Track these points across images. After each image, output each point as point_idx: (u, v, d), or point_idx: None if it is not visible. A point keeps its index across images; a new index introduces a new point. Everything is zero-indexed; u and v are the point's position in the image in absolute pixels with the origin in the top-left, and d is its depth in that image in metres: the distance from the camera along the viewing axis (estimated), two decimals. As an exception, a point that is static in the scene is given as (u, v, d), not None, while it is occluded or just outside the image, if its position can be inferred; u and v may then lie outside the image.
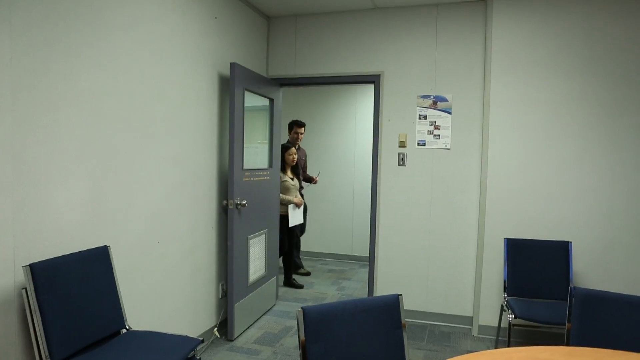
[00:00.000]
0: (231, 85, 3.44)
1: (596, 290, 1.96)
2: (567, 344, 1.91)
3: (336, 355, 1.67)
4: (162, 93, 2.86)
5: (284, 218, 4.77)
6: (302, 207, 4.97)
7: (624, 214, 3.44)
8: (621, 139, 3.42)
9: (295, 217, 4.85)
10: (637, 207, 3.40)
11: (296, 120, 5.18)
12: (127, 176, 2.57)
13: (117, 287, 2.35)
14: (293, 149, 4.83)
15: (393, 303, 1.81)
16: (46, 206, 2.08)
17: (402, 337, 1.79)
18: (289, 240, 4.95)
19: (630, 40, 3.36)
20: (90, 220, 2.32)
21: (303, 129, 5.20)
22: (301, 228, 5.37)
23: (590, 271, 3.50)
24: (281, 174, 4.72)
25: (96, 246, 2.31)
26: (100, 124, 2.37)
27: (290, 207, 4.78)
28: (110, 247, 2.37)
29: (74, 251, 2.19)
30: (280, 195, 4.63)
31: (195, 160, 3.25)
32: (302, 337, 1.62)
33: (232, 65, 3.44)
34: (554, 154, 3.55)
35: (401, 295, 1.82)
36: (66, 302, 2.03)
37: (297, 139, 5.16)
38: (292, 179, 4.91)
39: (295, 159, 4.87)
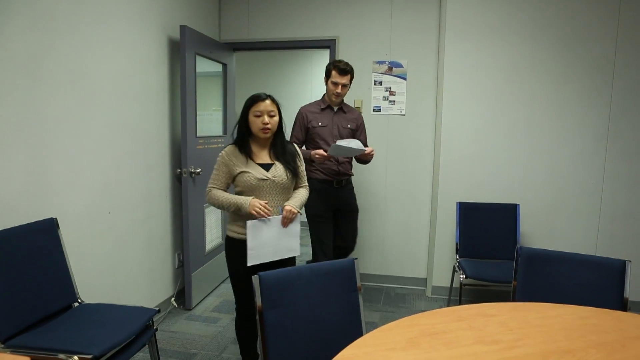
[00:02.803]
0: (181, 50, 3.30)
1: (540, 249, 2.06)
2: (513, 300, 2.02)
3: (293, 319, 1.69)
4: (107, 57, 2.71)
5: (236, 246, 2.24)
6: (296, 225, 2.27)
7: (567, 177, 3.60)
8: (566, 105, 3.54)
9: (260, 246, 2.17)
10: (578, 170, 3.58)
11: (336, 63, 3.15)
12: (72, 144, 2.44)
13: (67, 260, 2.26)
14: (265, 103, 2.18)
15: (349, 267, 1.84)
16: (-17, 177, 1.95)
17: (357, 299, 1.83)
18: (244, 299, 2.30)
19: (581, 8, 3.44)
20: (33, 191, 2.21)
21: (347, 78, 3.13)
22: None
23: (536, 232, 3.68)
24: (231, 152, 2.23)
25: (42, 219, 2.21)
26: (38, 88, 2.22)
27: (251, 224, 2.14)
28: (58, 218, 2.27)
29: (18, 224, 2.08)
30: (224, 196, 2.22)
31: (146, 127, 3.13)
32: (259, 303, 1.63)
33: (182, 28, 3.29)
34: (504, 119, 3.65)
35: (357, 259, 1.86)
36: (11, 277, 1.94)
37: (335, 93, 3.17)
38: (268, 166, 2.24)
39: (274, 126, 2.21)
